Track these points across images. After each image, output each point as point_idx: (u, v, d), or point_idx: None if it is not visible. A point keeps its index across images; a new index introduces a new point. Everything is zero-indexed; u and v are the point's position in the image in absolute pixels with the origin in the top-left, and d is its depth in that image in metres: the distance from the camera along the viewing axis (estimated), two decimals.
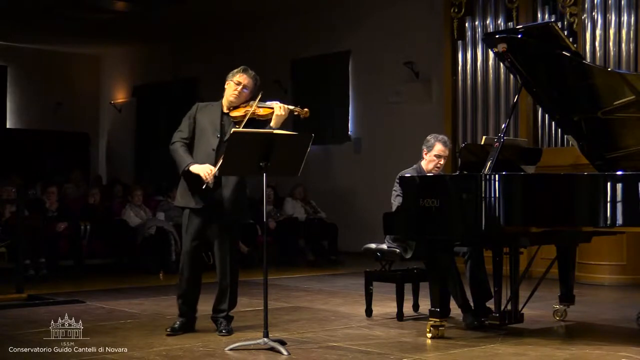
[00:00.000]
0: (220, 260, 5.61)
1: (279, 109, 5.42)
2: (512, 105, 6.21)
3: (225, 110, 5.59)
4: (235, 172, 5.38)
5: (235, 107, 5.56)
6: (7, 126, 17.01)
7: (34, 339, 5.35)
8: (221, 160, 5.19)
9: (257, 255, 10.78)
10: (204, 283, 5.76)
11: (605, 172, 5.59)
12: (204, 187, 5.39)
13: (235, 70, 5.62)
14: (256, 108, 5.45)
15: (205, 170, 5.36)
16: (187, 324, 5.66)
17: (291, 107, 5.48)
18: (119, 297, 7.65)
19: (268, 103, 5.51)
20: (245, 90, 5.56)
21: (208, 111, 5.61)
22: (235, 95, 5.54)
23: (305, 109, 5.52)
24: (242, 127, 5.37)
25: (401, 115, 12.12)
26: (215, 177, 5.38)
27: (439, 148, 6.17)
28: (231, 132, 5.17)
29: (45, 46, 16.79)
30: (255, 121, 5.49)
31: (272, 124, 5.41)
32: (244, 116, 5.45)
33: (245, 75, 5.57)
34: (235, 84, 5.55)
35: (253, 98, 5.55)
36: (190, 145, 5.57)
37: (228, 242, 5.59)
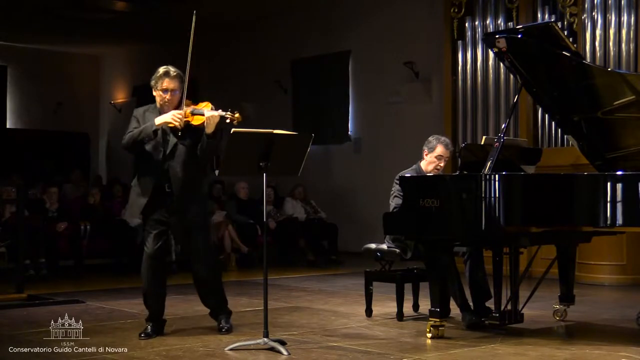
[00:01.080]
0: (196, 264, 5.55)
1: (208, 118, 5.20)
2: (512, 105, 6.21)
3: None
4: (236, 172, 5.38)
5: None
6: (7, 126, 17.02)
7: (34, 339, 5.35)
8: (220, 165, 5.13)
9: (257, 255, 10.79)
10: (190, 284, 5.74)
11: (605, 172, 5.59)
12: (179, 133, 5.26)
13: (157, 76, 5.40)
14: (191, 117, 5.29)
15: (172, 116, 5.21)
16: (158, 329, 5.57)
17: (220, 113, 5.24)
18: (119, 297, 7.65)
19: (201, 105, 5.33)
20: (174, 92, 5.39)
21: (148, 118, 5.42)
22: (166, 104, 5.38)
23: (237, 114, 5.26)
24: (179, 138, 5.29)
25: (401, 115, 12.12)
26: (167, 190, 5.31)
27: (440, 150, 6.16)
28: (231, 132, 5.16)
29: (45, 46, 16.79)
30: (192, 128, 5.32)
31: (206, 130, 5.24)
32: (181, 127, 5.28)
33: (167, 80, 5.38)
34: (162, 92, 5.40)
35: (183, 99, 5.36)
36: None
37: (200, 245, 5.50)
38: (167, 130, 5.37)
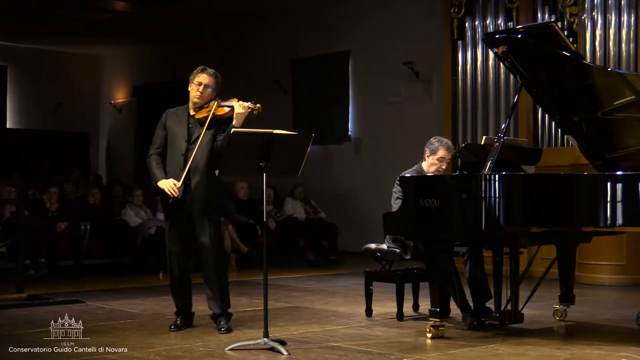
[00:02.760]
0: (203, 260, 5.66)
1: (238, 107, 5.46)
2: (512, 105, 6.21)
3: (192, 113, 5.68)
4: (236, 172, 5.42)
5: (200, 108, 5.65)
6: (7, 126, 17.01)
7: (34, 339, 5.35)
8: (220, 165, 5.32)
9: (257, 255, 10.78)
10: (200, 283, 5.77)
11: (605, 172, 5.59)
12: (170, 201, 5.53)
13: (195, 71, 5.71)
14: (217, 108, 5.56)
15: (167, 186, 5.51)
16: (186, 320, 5.80)
17: (247, 104, 5.49)
18: (119, 297, 7.65)
19: (228, 102, 5.58)
20: (208, 89, 5.65)
21: (176, 116, 5.72)
22: (197, 96, 5.64)
23: (258, 105, 5.52)
24: (206, 128, 5.53)
25: (401, 115, 12.12)
26: (185, 184, 5.51)
27: (442, 152, 6.15)
28: (231, 132, 5.19)
29: (45, 46, 16.78)
30: (218, 120, 5.57)
31: (234, 122, 5.45)
32: (207, 117, 5.55)
33: (204, 75, 5.66)
34: (196, 85, 5.65)
35: (216, 97, 5.67)
36: (164, 154, 5.71)
37: (209, 243, 5.60)
38: (193, 122, 5.64)
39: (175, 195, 5.50)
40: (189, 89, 5.71)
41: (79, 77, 17.96)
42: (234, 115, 5.46)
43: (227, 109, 5.54)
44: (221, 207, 5.95)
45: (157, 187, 5.62)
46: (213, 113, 5.55)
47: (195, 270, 5.82)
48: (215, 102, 5.60)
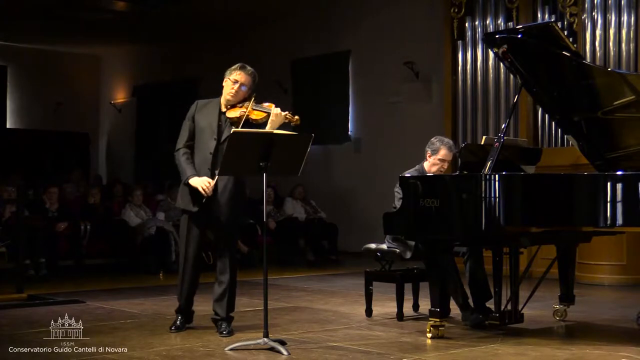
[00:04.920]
0: (220, 262, 5.62)
1: (274, 115, 5.35)
2: (512, 105, 6.21)
3: (223, 109, 5.57)
4: (235, 172, 5.38)
5: (233, 106, 5.53)
6: (7, 126, 17.01)
7: (34, 339, 5.34)
8: (220, 165, 5.22)
9: (257, 255, 10.78)
10: (203, 283, 5.77)
11: (605, 172, 5.59)
12: (203, 200, 5.43)
13: (233, 68, 5.57)
14: (251, 111, 5.42)
15: (202, 184, 5.40)
16: (188, 320, 5.79)
17: (285, 114, 5.40)
18: (119, 297, 7.65)
19: (264, 105, 5.47)
20: (243, 88, 5.52)
21: (207, 111, 5.59)
22: (232, 94, 5.51)
23: (297, 117, 5.43)
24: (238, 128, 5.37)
25: (401, 115, 12.12)
26: (215, 184, 5.42)
27: (444, 153, 6.14)
28: (231, 132, 5.16)
29: (45, 46, 16.78)
30: (250, 124, 5.44)
31: (267, 127, 5.35)
32: (240, 118, 5.42)
33: (242, 73, 5.53)
34: (232, 82, 5.52)
35: (250, 96, 5.53)
36: (193, 147, 5.59)
37: (227, 245, 5.59)
38: (224, 120, 5.52)
39: (209, 194, 5.41)
40: (224, 83, 5.56)
41: (79, 77, 17.95)
42: (269, 121, 5.35)
43: (263, 114, 5.41)
44: (244, 212, 5.84)
45: (188, 184, 5.47)
46: (247, 116, 5.42)
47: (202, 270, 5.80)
48: (250, 104, 5.45)
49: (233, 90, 5.51)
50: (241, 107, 5.49)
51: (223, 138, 5.47)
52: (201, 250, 5.72)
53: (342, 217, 12.08)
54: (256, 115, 5.42)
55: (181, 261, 5.72)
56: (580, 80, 5.56)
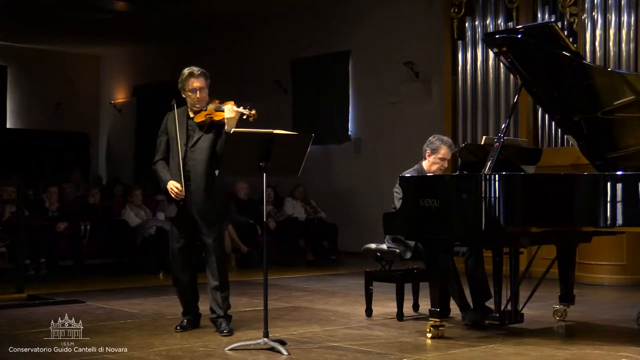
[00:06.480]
0: (206, 262, 5.66)
1: (228, 111, 5.42)
2: (512, 105, 6.21)
3: (191, 115, 5.64)
4: (236, 172, 5.41)
5: (199, 111, 5.61)
6: (7, 126, 17.00)
7: (34, 339, 5.35)
8: (221, 165, 5.34)
9: (257, 255, 10.78)
10: (202, 283, 5.76)
11: (605, 172, 5.59)
12: (181, 203, 5.52)
13: (183, 78, 5.63)
14: (215, 113, 5.52)
15: (171, 189, 5.51)
16: (194, 321, 5.79)
17: (240, 110, 5.45)
18: (119, 297, 7.65)
19: (223, 106, 5.52)
20: (202, 91, 5.59)
21: (176, 120, 5.62)
22: (196, 102, 5.59)
23: (253, 111, 5.46)
24: (205, 132, 5.54)
25: (401, 115, 12.11)
26: (187, 185, 5.50)
27: (444, 152, 6.13)
28: (231, 132, 5.17)
29: (45, 46, 16.77)
30: (217, 124, 5.53)
31: (225, 127, 5.41)
32: (205, 122, 5.55)
33: (195, 79, 5.60)
34: (190, 92, 5.59)
35: (210, 95, 5.64)
36: (168, 159, 5.69)
37: (211, 244, 5.60)
38: (193, 125, 5.59)
39: (182, 196, 5.49)
40: (184, 96, 5.65)
41: (79, 77, 17.95)
42: (225, 120, 5.42)
43: (222, 114, 5.49)
44: (222, 211, 5.87)
45: (166, 190, 5.59)
46: (211, 118, 5.52)
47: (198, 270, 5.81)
48: (213, 106, 5.56)
49: (197, 99, 5.58)
50: (206, 110, 5.59)
51: (192, 142, 5.56)
52: (190, 255, 5.73)
53: (342, 217, 12.08)
54: (219, 117, 5.51)
55: (172, 270, 5.77)
56: (580, 80, 5.56)
